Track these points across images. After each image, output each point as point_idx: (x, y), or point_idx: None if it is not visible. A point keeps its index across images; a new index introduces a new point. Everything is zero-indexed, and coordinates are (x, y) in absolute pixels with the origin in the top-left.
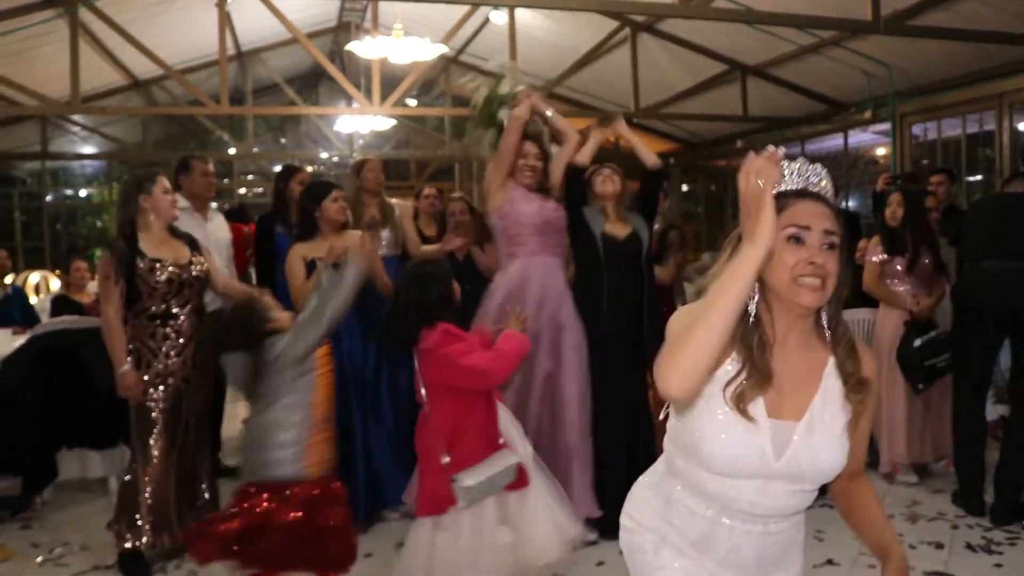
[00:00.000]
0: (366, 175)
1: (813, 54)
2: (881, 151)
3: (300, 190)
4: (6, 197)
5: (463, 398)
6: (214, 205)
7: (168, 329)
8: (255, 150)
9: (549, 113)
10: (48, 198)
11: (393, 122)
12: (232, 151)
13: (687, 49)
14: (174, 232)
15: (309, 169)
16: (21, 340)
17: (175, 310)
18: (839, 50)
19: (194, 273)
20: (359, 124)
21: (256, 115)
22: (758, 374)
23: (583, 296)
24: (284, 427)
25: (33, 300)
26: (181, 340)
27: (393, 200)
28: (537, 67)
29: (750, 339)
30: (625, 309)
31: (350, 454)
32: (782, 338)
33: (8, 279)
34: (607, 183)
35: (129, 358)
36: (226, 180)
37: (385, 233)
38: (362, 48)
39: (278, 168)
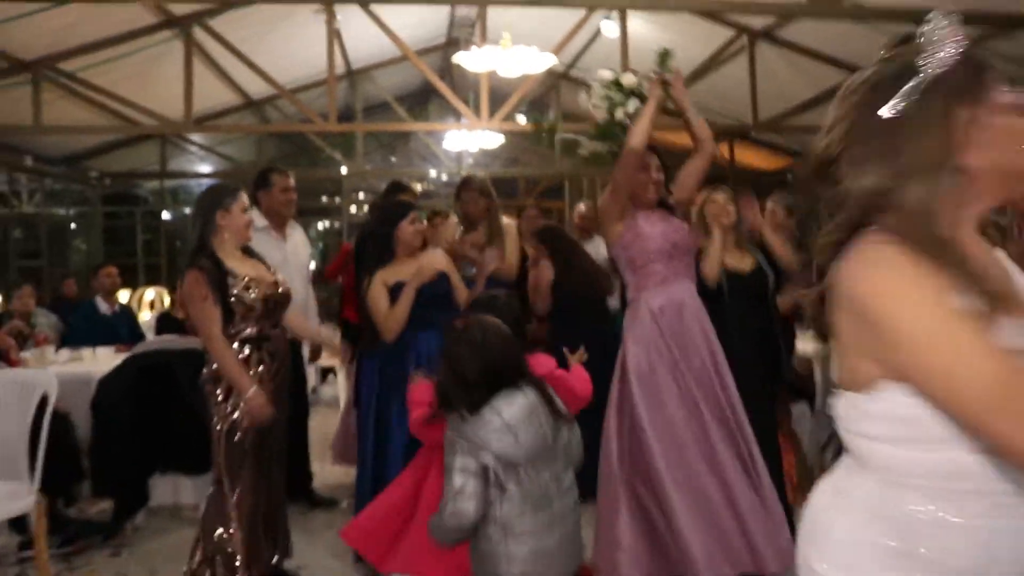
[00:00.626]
0: (463, 203)
1: None
2: None
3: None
4: (129, 216)
5: None
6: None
7: (263, 352)
8: (367, 168)
9: (688, 109)
10: (167, 216)
11: (502, 139)
12: (344, 169)
13: (808, 57)
14: (248, 252)
15: (418, 187)
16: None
17: (269, 331)
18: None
19: (281, 291)
20: (467, 141)
21: (365, 133)
22: (989, 290)
23: None
24: None
25: (147, 316)
26: (275, 363)
27: (504, 220)
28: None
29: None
30: (751, 339)
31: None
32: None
33: (124, 296)
34: (723, 214)
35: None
36: (337, 199)
37: (492, 252)
38: (470, 60)
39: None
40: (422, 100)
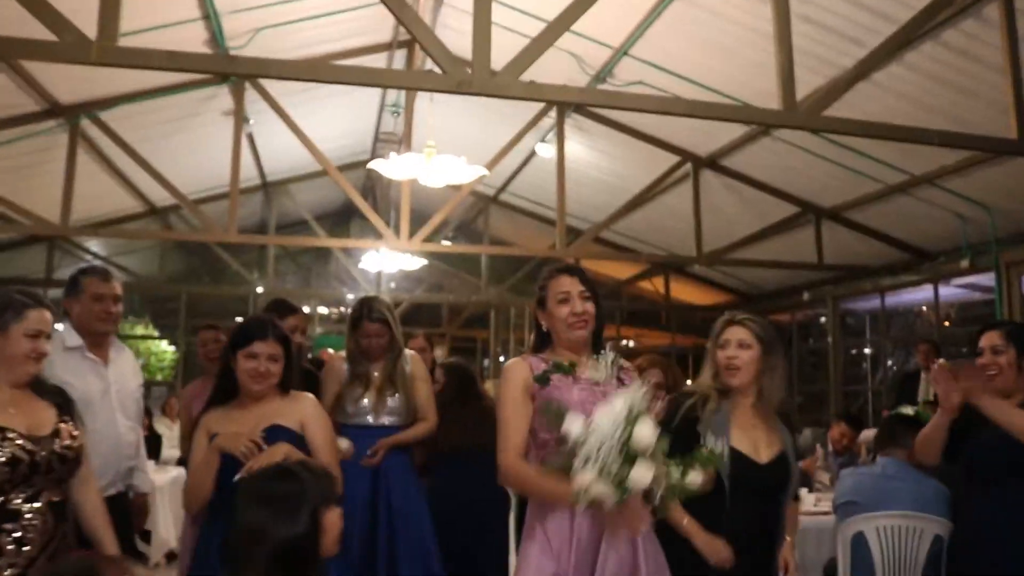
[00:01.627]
0: (359, 339)
1: (900, 195)
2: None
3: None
4: None
5: None
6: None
7: (5, 537)
8: (282, 289)
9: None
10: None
11: (423, 262)
12: (260, 288)
13: (754, 188)
14: (38, 387)
15: (323, 311)
16: None
17: (18, 505)
18: (931, 190)
19: (56, 450)
20: (386, 263)
21: (282, 252)
22: None
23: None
24: None
25: None
26: (25, 550)
27: (407, 351)
28: (585, 208)
29: None
30: (753, 546)
31: None
32: None
33: None
34: (734, 357)
35: None
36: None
37: (392, 400)
38: (389, 167)
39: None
40: (343, 219)
